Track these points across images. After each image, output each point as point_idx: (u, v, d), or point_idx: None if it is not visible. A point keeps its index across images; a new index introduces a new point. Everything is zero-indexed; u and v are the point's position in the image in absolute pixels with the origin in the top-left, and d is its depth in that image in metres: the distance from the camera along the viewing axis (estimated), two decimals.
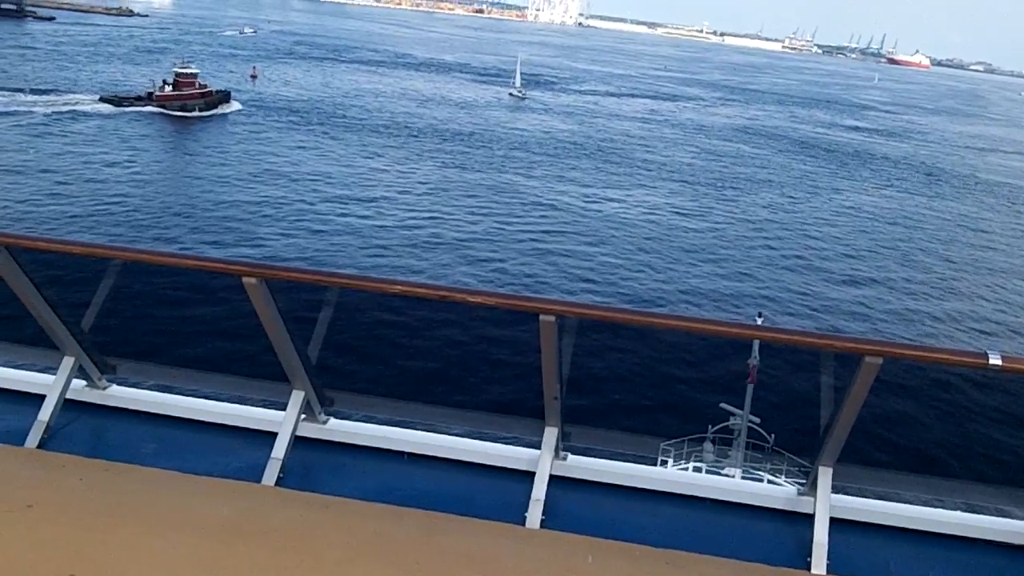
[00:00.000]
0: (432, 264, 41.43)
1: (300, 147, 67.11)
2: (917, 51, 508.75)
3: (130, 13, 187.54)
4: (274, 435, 4.31)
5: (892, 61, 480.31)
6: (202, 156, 61.61)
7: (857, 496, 4.21)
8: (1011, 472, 4.34)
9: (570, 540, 3.79)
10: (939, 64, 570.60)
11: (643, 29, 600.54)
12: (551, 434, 4.23)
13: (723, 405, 19.94)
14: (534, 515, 4.01)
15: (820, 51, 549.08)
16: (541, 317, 3.67)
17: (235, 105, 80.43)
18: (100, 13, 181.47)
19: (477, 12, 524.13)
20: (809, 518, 3.97)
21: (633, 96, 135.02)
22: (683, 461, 17.39)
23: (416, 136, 77.10)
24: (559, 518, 4.03)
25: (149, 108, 74.27)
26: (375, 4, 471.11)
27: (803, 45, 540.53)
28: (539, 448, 4.24)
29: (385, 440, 4.51)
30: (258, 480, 4.15)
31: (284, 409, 4.37)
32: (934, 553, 4.01)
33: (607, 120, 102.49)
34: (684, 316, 4.23)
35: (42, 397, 4.47)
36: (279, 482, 4.16)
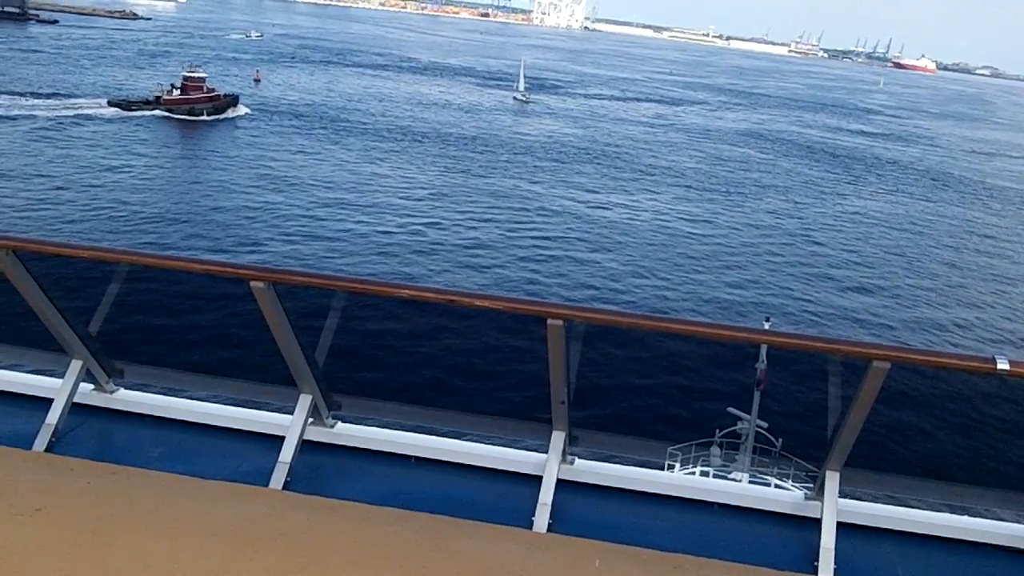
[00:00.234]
0: (435, 270, 41.47)
1: (306, 152, 67.25)
2: (923, 55, 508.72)
3: (133, 16, 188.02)
4: (281, 439, 4.31)
5: (898, 65, 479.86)
6: (209, 161, 61.77)
7: (864, 501, 4.20)
8: (1020, 477, 4.32)
9: (577, 544, 3.78)
10: (945, 68, 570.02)
11: (649, 33, 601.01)
12: (558, 438, 4.23)
13: (730, 409, 19.86)
14: (541, 519, 4.00)
15: (826, 55, 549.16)
16: (548, 321, 3.68)
17: (243, 109, 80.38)
18: (103, 16, 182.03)
19: (482, 16, 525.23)
20: (816, 523, 3.96)
21: (638, 100, 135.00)
22: (690, 465, 17.37)
23: (420, 140, 77.23)
24: (566, 522, 4.02)
25: (157, 112, 74.24)
26: (380, 7, 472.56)
27: (809, 49, 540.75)
28: (546, 452, 4.24)
29: (392, 444, 4.52)
30: (265, 484, 4.15)
31: (291, 413, 4.38)
32: (942, 558, 4.00)
33: (612, 124, 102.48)
34: (691, 320, 4.21)
35: (50, 401, 4.49)
36: (286, 486, 4.17)
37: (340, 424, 4.58)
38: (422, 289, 3.94)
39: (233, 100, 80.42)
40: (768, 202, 65.86)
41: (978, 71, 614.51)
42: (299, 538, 3.67)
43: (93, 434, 4.60)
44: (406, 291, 3.91)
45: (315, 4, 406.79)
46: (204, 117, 74.68)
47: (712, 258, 48.34)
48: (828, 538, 3.85)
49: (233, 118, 77.68)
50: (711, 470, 17.59)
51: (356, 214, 50.33)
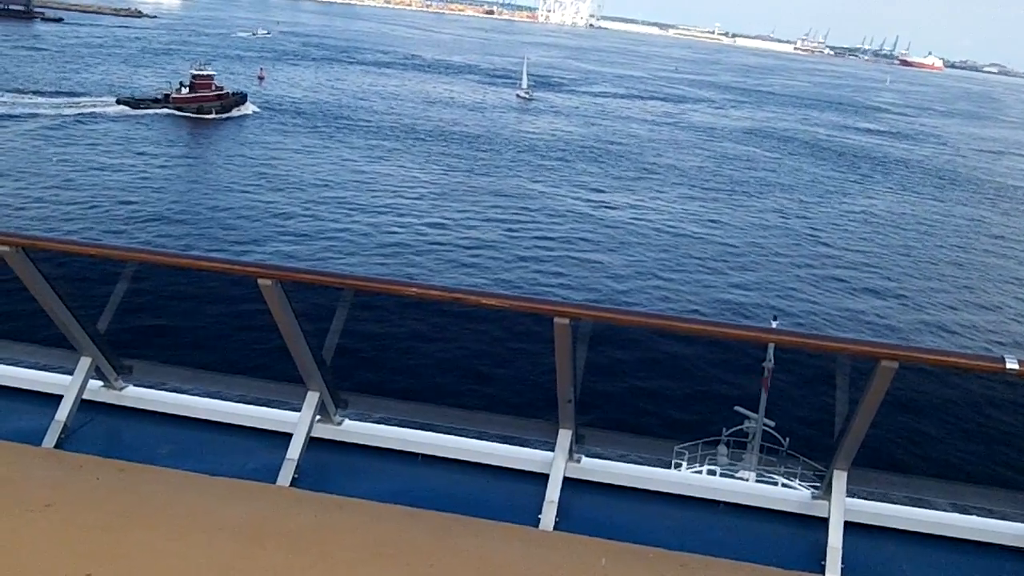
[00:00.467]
0: (439, 270, 41.46)
1: (312, 150, 67.34)
2: (930, 53, 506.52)
3: (138, 14, 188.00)
4: (289, 436, 4.33)
5: (905, 63, 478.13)
6: (218, 159, 61.89)
7: (872, 500, 4.19)
8: None
9: (584, 542, 3.79)
10: (952, 66, 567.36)
11: (654, 30, 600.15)
12: (565, 436, 4.23)
13: (737, 408, 19.84)
14: (548, 517, 4.01)
15: (832, 53, 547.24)
16: (555, 319, 3.68)
17: (250, 108, 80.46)
18: (108, 14, 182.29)
19: (488, 13, 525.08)
20: (823, 522, 3.96)
21: (643, 98, 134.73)
22: (697, 464, 17.33)
23: (423, 138, 77.24)
24: (573, 520, 4.03)
25: (165, 110, 74.37)
26: (384, 5, 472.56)
27: (815, 47, 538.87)
28: (553, 450, 4.25)
29: (399, 442, 4.52)
30: (273, 481, 4.17)
31: (299, 410, 4.40)
32: (950, 558, 3.98)
33: (616, 122, 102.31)
34: (698, 319, 4.20)
35: (59, 397, 4.51)
36: (294, 483, 4.18)
37: (347, 422, 4.59)
38: (428, 288, 3.94)
39: (241, 98, 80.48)
40: (774, 201, 65.65)
41: (985, 69, 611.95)
42: (306, 535, 3.68)
43: (102, 431, 4.62)
44: (413, 289, 3.91)
45: (320, 1, 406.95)
46: (213, 115, 74.80)
47: (718, 258, 48.20)
48: (835, 537, 3.85)
49: (240, 116, 77.78)
50: (718, 469, 17.55)
51: (361, 213, 50.39)
